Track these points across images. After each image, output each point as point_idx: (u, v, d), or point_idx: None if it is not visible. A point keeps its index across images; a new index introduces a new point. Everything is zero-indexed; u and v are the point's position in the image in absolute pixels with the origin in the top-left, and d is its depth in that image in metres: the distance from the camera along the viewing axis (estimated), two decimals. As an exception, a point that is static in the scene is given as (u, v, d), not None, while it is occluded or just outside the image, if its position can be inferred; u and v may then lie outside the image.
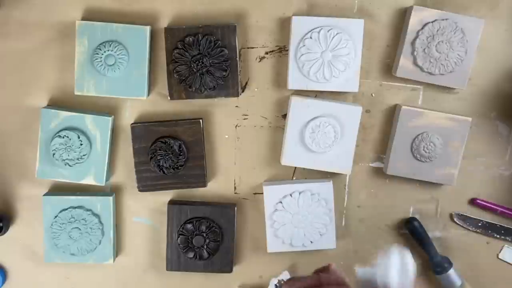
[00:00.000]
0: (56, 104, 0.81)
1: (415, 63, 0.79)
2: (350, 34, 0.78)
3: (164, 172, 0.80)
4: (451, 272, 0.82)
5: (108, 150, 0.81)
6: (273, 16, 0.80)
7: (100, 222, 0.82)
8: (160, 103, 0.82)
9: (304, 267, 0.86)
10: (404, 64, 0.79)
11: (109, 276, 0.86)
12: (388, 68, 0.82)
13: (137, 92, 0.79)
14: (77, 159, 0.79)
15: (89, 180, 0.81)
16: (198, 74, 0.78)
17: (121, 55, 0.77)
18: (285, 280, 0.59)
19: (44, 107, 0.80)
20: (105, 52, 0.77)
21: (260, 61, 0.81)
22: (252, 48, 0.81)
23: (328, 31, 0.77)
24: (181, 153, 0.80)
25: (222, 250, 0.83)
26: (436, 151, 0.80)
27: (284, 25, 0.80)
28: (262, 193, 0.82)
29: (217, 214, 0.82)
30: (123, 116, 0.82)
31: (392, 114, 0.83)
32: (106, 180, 0.82)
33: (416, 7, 0.77)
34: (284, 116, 0.82)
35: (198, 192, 0.84)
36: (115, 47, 0.77)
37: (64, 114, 0.79)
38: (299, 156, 0.81)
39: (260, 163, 0.84)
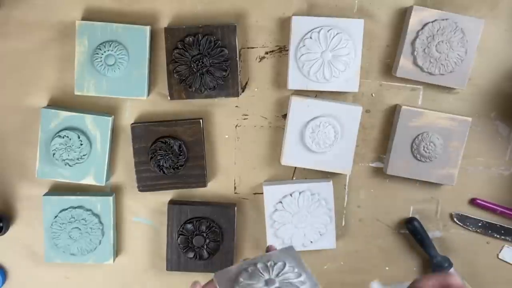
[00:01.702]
0: (56, 104, 0.81)
1: (415, 63, 0.79)
2: (350, 34, 0.78)
3: (164, 172, 0.80)
4: (451, 272, 0.82)
5: (108, 150, 0.81)
6: (273, 16, 0.80)
7: (100, 222, 0.82)
8: (160, 103, 0.82)
9: (304, 267, 0.86)
10: (404, 64, 0.79)
11: (109, 276, 0.86)
12: (388, 68, 0.82)
13: (137, 92, 0.79)
14: (77, 159, 0.79)
15: (89, 180, 0.81)
16: (198, 74, 0.78)
17: (121, 55, 0.77)
18: None
19: (44, 107, 0.80)
20: (105, 52, 0.77)
21: (260, 61, 0.81)
22: (252, 48, 0.81)
23: (328, 31, 0.77)
24: (181, 153, 0.80)
25: (222, 250, 0.83)
26: (436, 151, 0.80)
27: (284, 25, 0.80)
28: (262, 193, 0.82)
29: (217, 214, 0.82)
30: (123, 116, 0.82)
31: (392, 114, 0.83)
32: (106, 180, 0.82)
33: (416, 7, 0.77)
34: (284, 116, 0.82)
35: (198, 192, 0.84)
36: (115, 47, 0.77)
37: (64, 114, 0.79)
38: (299, 156, 0.81)
39: (260, 163, 0.84)
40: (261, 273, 0.51)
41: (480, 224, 0.85)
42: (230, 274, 0.52)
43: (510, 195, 0.84)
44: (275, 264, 0.52)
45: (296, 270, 0.51)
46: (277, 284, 0.50)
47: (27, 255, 0.86)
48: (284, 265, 0.52)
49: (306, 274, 0.51)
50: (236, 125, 0.83)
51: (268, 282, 0.50)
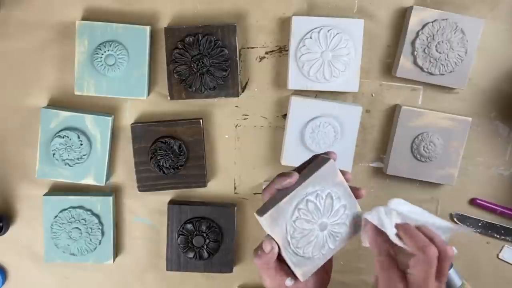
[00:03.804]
0: (56, 104, 0.82)
1: (415, 63, 0.79)
2: (350, 34, 0.78)
3: (164, 172, 0.80)
4: (451, 272, 0.82)
5: (108, 150, 0.81)
6: (273, 16, 0.80)
7: (100, 222, 0.82)
8: (160, 103, 0.82)
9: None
10: (404, 64, 0.79)
11: (109, 276, 0.86)
12: (388, 68, 0.82)
13: (137, 92, 0.79)
14: (77, 159, 0.80)
15: (89, 180, 0.81)
16: (198, 74, 0.78)
17: (121, 55, 0.77)
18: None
19: (44, 107, 0.80)
20: (105, 52, 0.77)
21: (260, 61, 0.81)
22: (252, 48, 0.81)
23: (328, 31, 0.77)
24: (181, 153, 0.80)
25: (222, 250, 0.83)
26: (436, 151, 0.80)
27: (284, 25, 0.80)
28: (262, 193, 0.82)
29: (217, 214, 0.82)
30: (123, 116, 0.82)
31: (392, 114, 0.83)
32: (106, 180, 0.82)
33: (416, 7, 0.77)
34: (284, 116, 0.82)
35: (198, 192, 0.84)
36: (115, 47, 0.77)
37: (64, 114, 0.79)
38: (299, 156, 0.81)
39: (260, 163, 0.84)
40: (312, 213, 0.55)
41: (480, 224, 0.85)
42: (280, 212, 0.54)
43: (510, 195, 0.84)
44: (324, 199, 0.55)
45: (342, 204, 0.56)
46: (327, 230, 0.56)
47: (27, 255, 0.86)
48: (332, 200, 0.55)
49: (350, 207, 0.56)
50: (236, 125, 0.83)
51: (321, 226, 0.55)
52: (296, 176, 0.55)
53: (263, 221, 0.54)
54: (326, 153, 0.58)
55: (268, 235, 0.55)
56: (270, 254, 0.54)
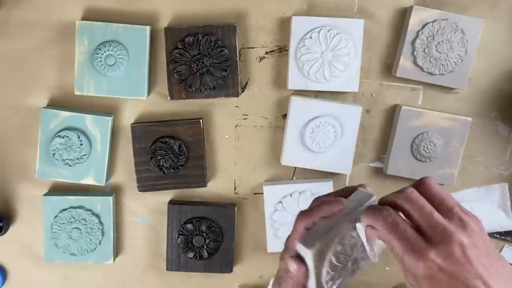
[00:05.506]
0: (56, 104, 0.82)
1: (415, 63, 0.79)
2: (350, 34, 0.78)
3: (164, 172, 0.80)
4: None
5: (108, 150, 0.81)
6: (273, 16, 0.80)
7: (100, 222, 0.82)
8: (160, 103, 0.82)
9: (304, 267, 0.86)
10: (404, 64, 0.79)
11: (109, 276, 0.86)
12: (388, 68, 0.82)
13: (137, 92, 0.79)
14: (77, 159, 0.80)
15: (89, 180, 0.81)
16: (198, 74, 0.78)
17: (121, 55, 0.77)
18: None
19: (44, 107, 0.80)
20: (105, 52, 0.77)
21: (260, 61, 0.81)
22: (252, 48, 0.81)
23: (328, 31, 0.77)
24: (181, 153, 0.80)
25: (222, 250, 0.83)
26: (436, 151, 0.80)
27: (284, 25, 0.80)
28: (262, 193, 0.82)
29: (217, 214, 0.82)
30: (123, 116, 0.82)
31: (392, 114, 0.83)
32: (106, 180, 0.82)
33: (416, 7, 0.77)
34: (284, 116, 0.82)
35: (198, 192, 0.84)
36: (115, 47, 0.77)
37: (64, 114, 0.79)
38: (299, 156, 0.81)
39: (260, 163, 0.84)
40: (352, 249, 0.52)
41: (480, 224, 0.84)
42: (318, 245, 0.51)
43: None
44: (360, 236, 0.51)
45: (367, 241, 0.52)
46: (354, 265, 0.53)
47: (27, 255, 0.86)
48: (365, 237, 0.52)
49: (370, 248, 0.52)
50: (236, 125, 0.83)
51: (352, 262, 0.53)
52: (342, 202, 0.51)
53: (309, 253, 0.49)
54: (362, 186, 0.54)
55: (292, 256, 0.52)
56: (298, 273, 0.51)
